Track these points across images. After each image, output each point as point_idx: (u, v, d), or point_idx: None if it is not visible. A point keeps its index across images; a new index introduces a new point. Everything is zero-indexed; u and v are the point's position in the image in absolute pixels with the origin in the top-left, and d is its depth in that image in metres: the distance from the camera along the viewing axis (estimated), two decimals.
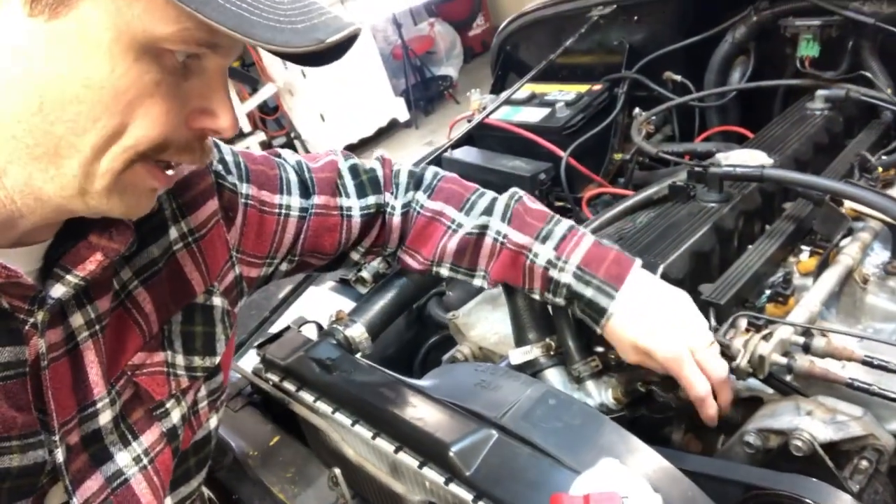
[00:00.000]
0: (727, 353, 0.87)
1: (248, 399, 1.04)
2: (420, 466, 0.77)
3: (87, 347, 0.68)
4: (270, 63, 5.32)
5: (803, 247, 1.08)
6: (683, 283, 0.99)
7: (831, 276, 0.96)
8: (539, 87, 1.86)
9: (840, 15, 1.31)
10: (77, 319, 0.67)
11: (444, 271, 1.01)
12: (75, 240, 0.65)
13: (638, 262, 0.90)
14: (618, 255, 0.89)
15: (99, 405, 0.69)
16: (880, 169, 1.15)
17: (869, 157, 1.15)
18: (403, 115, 5.99)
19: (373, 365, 0.94)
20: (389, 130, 5.99)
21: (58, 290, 0.63)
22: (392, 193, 1.02)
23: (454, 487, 0.73)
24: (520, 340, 1.04)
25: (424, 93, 6.29)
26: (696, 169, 1.12)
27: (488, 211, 0.97)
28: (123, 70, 0.54)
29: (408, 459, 0.79)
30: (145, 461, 0.73)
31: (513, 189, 1.00)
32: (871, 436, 0.80)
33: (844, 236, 1.04)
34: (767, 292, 0.99)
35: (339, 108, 5.61)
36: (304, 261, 0.99)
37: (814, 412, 0.81)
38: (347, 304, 1.55)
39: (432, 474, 0.76)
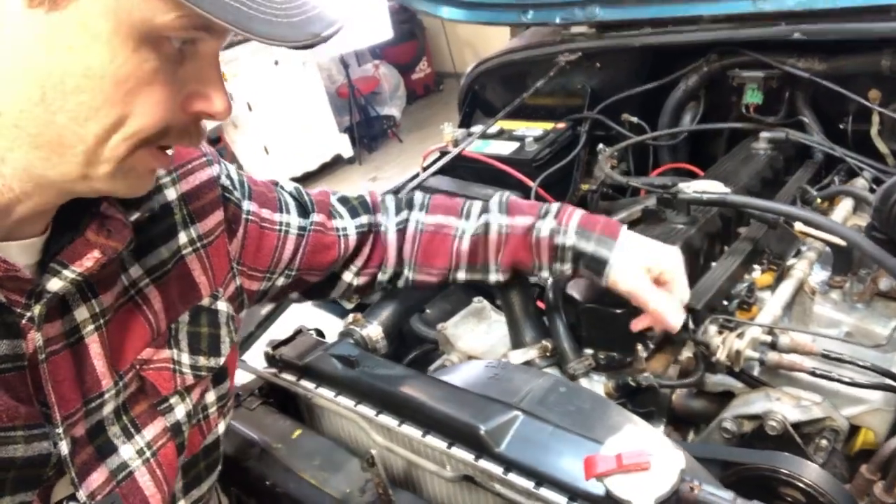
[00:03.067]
0: (706, 352, 1.00)
1: (263, 399, 1.08)
2: (449, 447, 0.84)
3: (92, 340, 0.69)
4: None
5: (755, 266, 1.24)
6: None
7: (787, 287, 1.11)
8: (507, 124, 1.99)
9: (780, 69, 1.51)
10: (82, 313, 0.69)
11: (461, 275, 1.08)
12: (73, 235, 0.66)
13: (625, 226, 1.04)
14: (608, 219, 1.05)
15: (106, 396, 0.71)
16: (818, 200, 1.33)
17: (809, 189, 1.32)
18: (347, 151, 6.07)
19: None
20: (333, 166, 6.05)
21: (54, 285, 0.64)
22: (383, 214, 1.10)
23: (484, 462, 0.81)
24: (517, 343, 1.14)
25: (368, 130, 6.39)
26: (666, 195, 1.26)
27: (485, 210, 1.08)
28: (123, 59, 0.54)
29: (435, 442, 0.86)
30: (148, 454, 0.75)
31: (499, 192, 1.12)
32: (829, 418, 0.93)
33: (794, 255, 1.20)
34: (735, 301, 1.12)
35: (283, 141, 5.63)
36: (301, 277, 1.02)
37: (782, 398, 0.94)
38: (332, 320, 1.61)
39: (461, 453, 0.83)
